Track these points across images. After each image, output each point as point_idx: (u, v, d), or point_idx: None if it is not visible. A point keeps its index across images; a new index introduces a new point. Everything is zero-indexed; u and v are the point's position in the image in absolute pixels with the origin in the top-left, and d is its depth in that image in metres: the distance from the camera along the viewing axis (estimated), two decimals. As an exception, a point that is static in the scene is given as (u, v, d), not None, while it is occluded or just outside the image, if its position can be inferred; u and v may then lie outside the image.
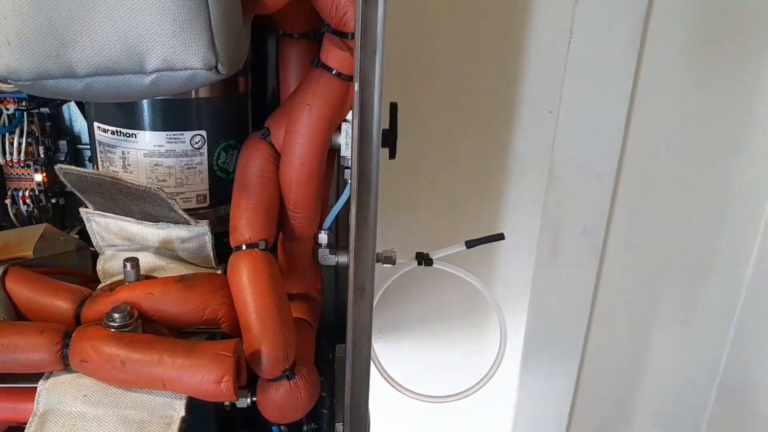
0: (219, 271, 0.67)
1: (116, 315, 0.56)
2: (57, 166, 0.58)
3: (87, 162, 0.77)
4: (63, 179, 0.59)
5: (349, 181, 0.66)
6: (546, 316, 0.99)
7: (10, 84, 0.49)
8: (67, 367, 0.56)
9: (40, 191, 0.73)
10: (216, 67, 0.48)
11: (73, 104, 0.75)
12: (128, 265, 0.59)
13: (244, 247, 0.62)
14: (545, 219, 0.98)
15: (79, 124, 0.76)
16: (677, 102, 0.97)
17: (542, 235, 0.97)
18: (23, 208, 0.73)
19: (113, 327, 0.56)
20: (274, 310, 0.59)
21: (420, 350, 1.03)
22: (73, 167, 0.57)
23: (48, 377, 0.56)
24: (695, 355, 1.13)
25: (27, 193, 0.73)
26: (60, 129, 0.76)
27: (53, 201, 0.75)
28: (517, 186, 1.02)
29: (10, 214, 0.73)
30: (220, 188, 0.66)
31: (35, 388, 0.56)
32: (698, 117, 0.98)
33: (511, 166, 1.01)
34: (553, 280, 1.01)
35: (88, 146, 0.77)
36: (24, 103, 0.69)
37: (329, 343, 0.75)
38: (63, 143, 0.75)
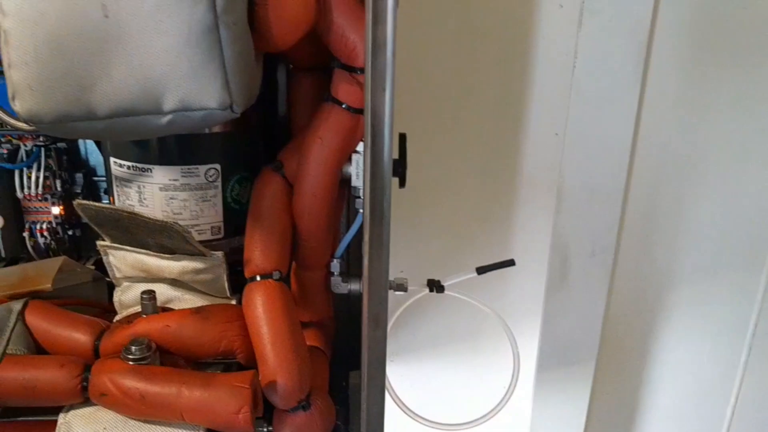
0: (233, 301, 0.68)
1: (134, 348, 0.57)
2: (75, 202, 0.59)
3: (102, 194, 0.78)
4: (81, 214, 0.60)
5: (361, 210, 0.67)
6: (558, 338, 1.00)
7: (31, 126, 0.50)
8: (86, 400, 0.57)
9: (57, 224, 0.74)
10: (231, 107, 0.49)
11: (90, 140, 0.77)
12: (145, 297, 0.61)
13: (258, 277, 0.63)
14: (555, 241, 0.98)
15: (95, 157, 0.78)
16: (682, 120, 0.98)
17: (552, 258, 0.98)
18: (41, 240, 0.74)
19: (131, 360, 0.57)
20: (289, 341, 0.60)
21: (431, 375, 1.03)
22: (91, 203, 0.59)
23: (68, 410, 0.58)
24: (707, 375, 1.12)
25: (44, 226, 0.74)
26: (76, 162, 0.77)
27: (70, 233, 0.77)
28: (524, 209, 1.02)
29: (28, 246, 0.74)
30: (234, 220, 0.67)
31: (55, 421, 0.57)
32: (704, 135, 0.99)
33: (519, 189, 1.02)
34: (564, 303, 1.02)
35: (104, 179, 0.79)
36: (41, 139, 0.70)
37: (342, 369, 0.76)
38: (79, 176, 0.77)
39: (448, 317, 0.99)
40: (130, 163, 0.62)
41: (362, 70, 0.61)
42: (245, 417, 0.54)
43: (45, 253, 0.75)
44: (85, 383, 0.56)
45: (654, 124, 0.96)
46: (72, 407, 0.58)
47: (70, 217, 0.76)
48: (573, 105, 0.94)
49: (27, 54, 0.45)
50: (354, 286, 0.70)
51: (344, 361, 0.78)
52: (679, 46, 0.95)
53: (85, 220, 0.61)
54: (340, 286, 0.70)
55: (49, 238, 0.75)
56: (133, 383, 0.55)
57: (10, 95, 0.47)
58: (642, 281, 1.05)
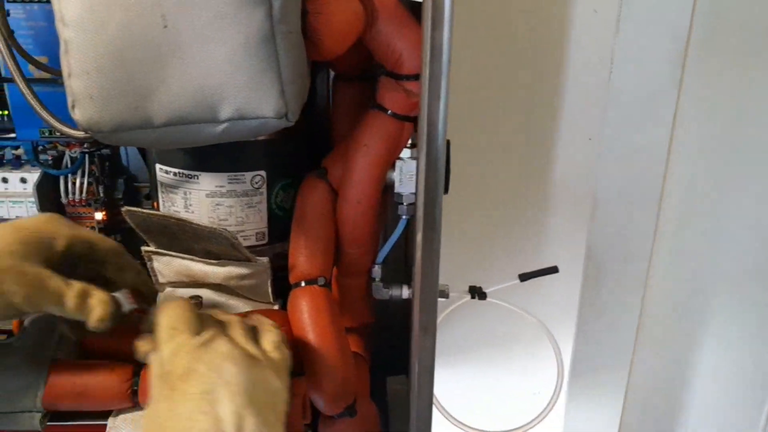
0: (276, 307, 0.68)
1: (183, 353, 0.57)
2: (124, 209, 0.60)
3: (143, 200, 0.79)
4: (128, 220, 0.61)
5: (403, 216, 0.67)
6: (592, 344, 0.99)
7: (87, 134, 0.51)
8: (136, 405, 0.57)
9: (100, 229, 0.75)
10: (286, 116, 0.50)
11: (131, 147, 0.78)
12: (192, 303, 0.61)
13: (303, 283, 0.64)
14: (589, 247, 0.98)
15: (135, 164, 0.79)
16: (718, 125, 0.97)
17: (587, 264, 0.98)
18: (84, 245, 0.75)
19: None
20: (335, 347, 0.60)
21: (470, 381, 1.03)
22: (139, 209, 0.59)
23: (117, 414, 0.58)
24: (745, 382, 1.11)
25: (88, 231, 0.75)
26: (117, 168, 0.78)
27: (112, 238, 0.77)
28: (558, 214, 1.02)
29: (72, 251, 0.75)
30: (278, 226, 0.67)
31: (104, 425, 0.58)
32: (740, 139, 0.98)
33: (552, 194, 1.02)
34: (599, 308, 1.01)
35: (144, 185, 0.79)
36: (86, 145, 0.71)
37: (379, 375, 0.76)
38: (121, 182, 0.77)
39: (486, 323, 0.99)
40: (176, 170, 0.63)
41: (408, 77, 0.62)
42: (294, 423, 0.54)
43: (88, 258, 0.76)
44: (135, 387, 0.57)
45: (690, 129, 0.96)
46: (120, 411, 0.58)
47: (112, 223, 0.77)
48: (609, 110, 0.93)
49: (88, 63, 0.46)
50: (395, 292, 0.70)
51: (381, 367, 0.78)
52: (716, 51, 0.95)
53: (131, 226, 0.62)
54: (382, 292, 0.70)
55: (91, 243, 0.75)
56: (183, 389, 0.55)
57: (69, 104, 0.48)
58: (677, 287, 1.04)
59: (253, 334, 0.52)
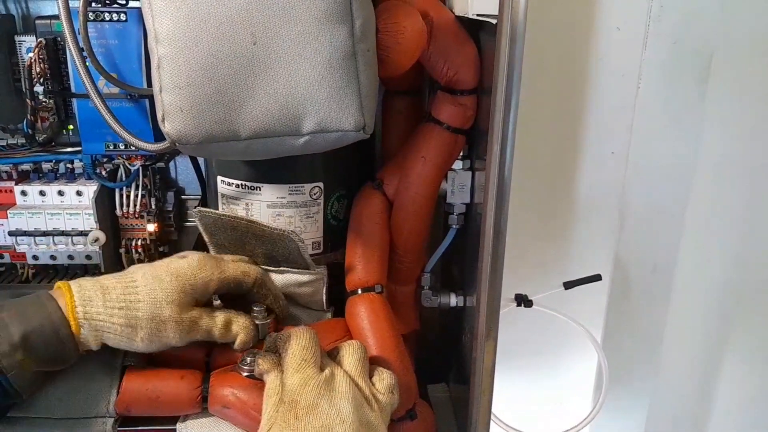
0: (329, 314, 0.70)
1: (249, 359, 0.59)
2: (196, 209, 0.62)
3: (192, 211, 0.81)
4: (198, 221, 0.63)
5: (453, 226, 0.69)
6: (618, 354, 1.01)
7: (165, 147, 0.53)
8: (204, 411, 0.59)
9: (151, 240, 0.77)
10: (363, 129, 0.52)
11: (179, 158, 0.80)
12: (256, 311, 0.63)
13: (359, 291, 0.66)
14: (617, 257, 1.00)
15: (184, 177, 0.81)
16: (743, 139, 1.00)
17: (614, 274, 1.00)
18: (135, 256, 0.77)
19: (246, 371, 0.59)
20: (395, 352, 0.62)
21: (510, 386, 1.05)
22: (211, 210, 0.61)
23: (185, 419, 0.59)
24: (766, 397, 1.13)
25: (139, 242, 0.76)
26: (167, 182, 0.80)
27: (161, 249, 0.79)
28: (583, 226, 1.04)
29: (124, 262, 0.77)
30: (332, 235, 0.69)
31: (173, 430, 0.59)
32: (765, 155, 1.01)
33: (577, 205, 1.04)
34: (625, 319, 1.03)
35: (191, 197, 0.81)
36: (142, 159, 0.73)
37: (420, 383, 0.78)
38: (170, 194, 0.79)
39: (524, 330, 1.00)
40: (239, 182, 0.65)
41: (462, 92, 0.64)
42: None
43: (138, 269, 0.77)
44: (204, 394, 0.58)
45: (716, 143, 0.99)
46: (188, 417, 0.59)
47: (162, 234, 0.78)
48: (636, 125, 0.96)
49: (180, 78, 0.48)
50: (444, 300, 0.72)
51: (422, 375, 0.80)
52: (742, 65, 0.97)
53: (198, 227, 0.64)
54: (431, 300, 0.72)
55: (143, 254, 0.77)
56: (254, 398, 0.56)
57: (159, 117, 0.50)
58: (702, 299, 1.07)
59: (367, 372, 0.55)
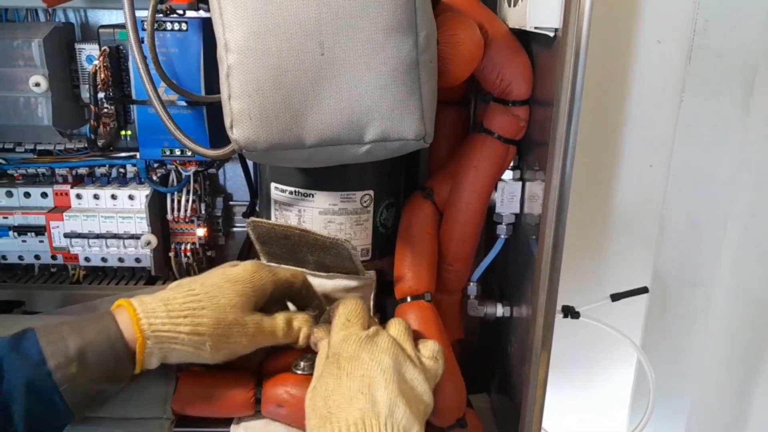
0: (376, 320, 0.70)
1: (303, 363, 0.60)
2: (249, 219, 0.63)
3: (239, 216, 0.82)
4: (251, 231, 0.64)
5: (501, 236, 0.70)
6: (656, 368, 1.00)
7: (225, 153, 0.54)
8: (257, 413, 0.60)
9: (200, 245, 0.78)
10: (423, 138, 0.53)
11: (228, 165, 0.81)
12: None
13: (409, 299, 0.66)
14: (656, 271, 1.00)
15: (232, 183, 0.82)
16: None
17: (653, 288, 0.99)
18: (183, 260, 0.78)
19: (299, 374, 0.60)
20: (446, 360, 0.62)
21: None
22: (265, 220, 0.62)
23: (238, 422, 0.60)
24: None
25: (189, 246, 0.78)
26: (216, 188, 0.81)
27: (208, 254, 0.80)
28: (622, 238, 1.04)
29: (173, 266, 0.78)
30: (380, 243, 0.70)
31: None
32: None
33: (616, 217, 1.04)
34: (664, 333, 1.03)
35: (239, 203, 0.83)
36: (194, 164, 0.74)
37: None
38: (219, 200, 0.81)
39: (565, 341, 1.00)
40: (292, 188, 0.66)
41: (515, 103, 0.65)
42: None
43: (186, 273, 0.79)
44: (258, 396, 0.59)
45: (756, 156, 0.98)
46: (242, 419, 0.60)
47: (210, 239, 0.80)
48: (679, 138, 0.96)
49: (249, 86, 0.49)
50: (490, 310, 0.73)
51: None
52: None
53: (251, 237, 0.65)
54: (477, 309, 0.72)
55: (191, 258, 0.78)
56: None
57: (227, 124, 0.51)
58: (739, 314, 1.06)
59: (412, 340, 0.56)
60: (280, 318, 0.57)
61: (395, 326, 0.57)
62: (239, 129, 0.50)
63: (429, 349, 0.56)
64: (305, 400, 0.52)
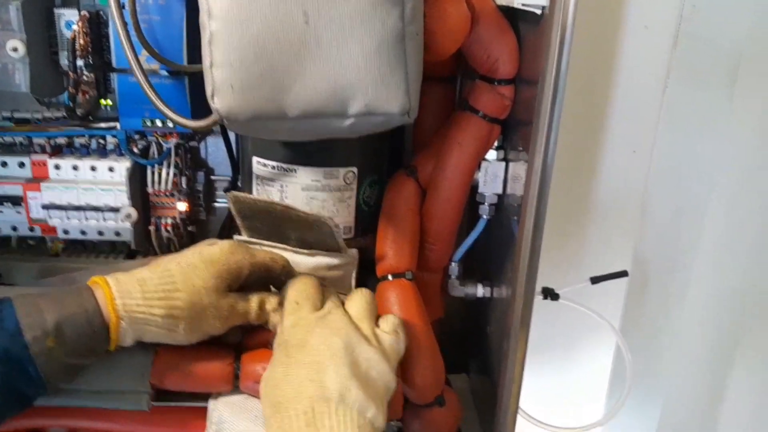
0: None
1: (282, 339, 0.59)
2: (230, 193, 0.62)
3: (221, 192, 0.81)
4: (231, 205, 0.63)
5: (484, 216, 0.70)
6: (633, 351, 1.02)
7: (207, 124, 0.53)
8: (236, 389, 0.59)
9: (181, 219, 0.77)
10: (408, 113, 0.52)
11: (210, 139, 0.80)
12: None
13: (390, 277, 0.66)
14: (636, 257, 1.01)
15: (214, 157, 0.81)
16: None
17: (633, 274, 1.00)
18: (164, 235, 0.77)
19: (279, 351, 0.59)
20: (425, 338, 0.63)
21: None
22: (246, 194, 0.62)
23: (216, 397, 0.60)
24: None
25: (169, 221, 0.77)
26: (198, 161, 0.80)
27: (189, 229, 0.79)
28: (603, 223, 1.04)
29: (153, 240, 0.77)
30: (363, 220, 0.70)
31: (205, 407, 0.59)
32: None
33: (598, 202, 1.04)
34: (641, 319, 1.04)
35: (221, 177, 0.82)
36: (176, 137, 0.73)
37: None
38: (200, 174, 0.80)
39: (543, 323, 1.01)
40: (275, 163, 0.65)
41: (500, 82, 0.64)
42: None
43: (167, 248, 0.78)
44: (237, 372, 0.58)
45: (740, 146, 0.99)
46: (220, 395, 0.60)
47: (192, 214, 0.79)
48: (662, 124, 0.96)
49: (231, 55, 0.48)
50: (470, 290, 0.73)
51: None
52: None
53: (232, 211, 0.64)
54: (457, 289, 0.73)
55: (171, 232, 0.77)
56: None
57: (208, 93, 0.50)
58: (717, 301, 1.07)
59: (373, 316, 0.56)
60: (253, 300, 0.56)
61: (356, 301, 0.56)
62: (220, 98, 0.49)
63: (389, 323, 0.55)
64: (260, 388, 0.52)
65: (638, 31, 1.00)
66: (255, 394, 0.59)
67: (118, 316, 0.50)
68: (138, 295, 0.51)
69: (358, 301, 0.56)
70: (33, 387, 0.49)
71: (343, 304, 0.58)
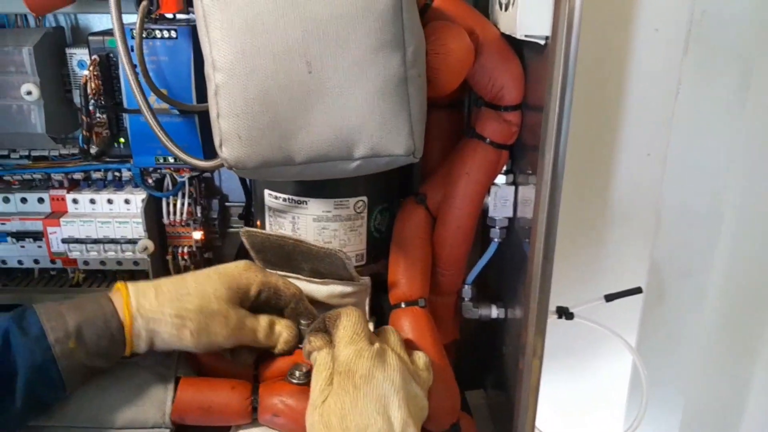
0: (371, 324, 0.71)
1: (297, 372, 0.61)
2: (243, 230, 0.63)
3: (236, 218, 0.82)
4: (245, 240, 0.64)
5: (495, 240, 0.70)
6: (652, 359, 1.02)
7: (217, 164, 0.54)
8: (254, 422, 0.61)
9: (197, 248, 0.79)
10: (413, 153, 0.53)
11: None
12: (303, 324, 0.64)
13: (403, 304, 0.67)
14: (653, 261, 1.00)
15: (228, 185, 0.82)
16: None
17: (650, 278, 1.00)
18: (181, 263, 0.79)
19: (295, 383, 0.60)
20: (440, 365, 0.63)
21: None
22: (258, 230, 0.63)
23: (236, 430, 0.61)
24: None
25: (186, 250, 0.78)
26: (212, 189, 0.82)
27: (206, 256, 0.81)
28: (618, 229, 1.04)
29: (171, 269, 0.79)
30: (375, 247, 0.70)
31: (225, 440, 0.61)
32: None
33: (613, 208, 1.04)
34: (660, 322, 1.04)
35: (235, 204, 0.83)
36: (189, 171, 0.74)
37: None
38: (215, 202, 0.81)
39: (559, 339, 1.01)
40: (286, 196, 0.66)
41: (506, 108, 0.64)
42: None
43: (184, 275, 0.79)
44: (255, 405, 0.60)
45: (754, 149, 0.98)
46: (239, 428, 0.61)
47: (207, 241, 0.80)
48: (676, 128, 0.96)
49: (237, 106, 0.49)
50: (484, 312, 0.73)
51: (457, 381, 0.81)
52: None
53: (246, 246, 0.65)
54: (471, 311, 0.73)
55: (189, 261, 0.79)
56: (303, 404, 0.58)
57: (217, 143, 0.51)
58: (735, 304, 1.06)
59: (406, 351, 0.58)
60: (263, 319, 0.59)
61: (392, 338, 0.58)
62: (228, 148, 0.50)
63: (422, 361, 0.57)
64: (310, 414, 0.53)
65: (649, 34, 0.99)
66: (273, 427, 0.60)
67: (131, 315, 0.53)
68: (152, 296, 0.55)
69: (394, 336, 0.58)
70: (53, 391, 0.53)
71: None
